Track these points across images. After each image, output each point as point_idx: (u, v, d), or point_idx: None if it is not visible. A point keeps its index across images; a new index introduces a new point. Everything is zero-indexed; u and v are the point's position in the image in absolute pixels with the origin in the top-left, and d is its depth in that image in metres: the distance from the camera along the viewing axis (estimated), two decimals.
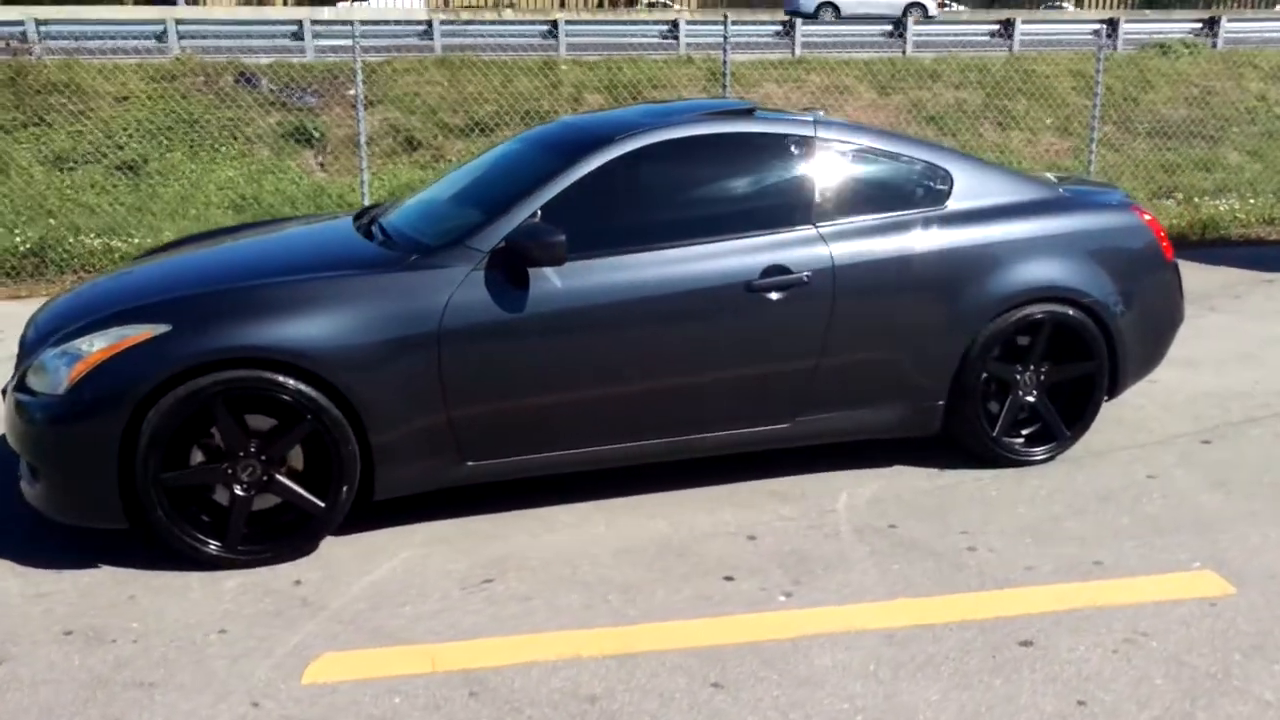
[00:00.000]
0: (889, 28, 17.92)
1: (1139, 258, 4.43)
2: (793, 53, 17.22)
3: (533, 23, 17.37)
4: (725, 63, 9.71)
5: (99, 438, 3.42)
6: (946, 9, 27.21)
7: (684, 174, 4.06)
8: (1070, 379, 4.42)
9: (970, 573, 3.57)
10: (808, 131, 4.15)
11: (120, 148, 13.20)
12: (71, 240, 9.10)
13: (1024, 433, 4.46)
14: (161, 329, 3.46)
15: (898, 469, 4.42)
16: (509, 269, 3.71)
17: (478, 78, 15.18)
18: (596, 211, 3.92)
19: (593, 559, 3.70)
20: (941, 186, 4.25)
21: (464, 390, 3.68)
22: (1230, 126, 15.13)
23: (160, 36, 15.83)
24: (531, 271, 3.72)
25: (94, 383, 3.42)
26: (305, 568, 3.66)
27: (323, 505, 3.65)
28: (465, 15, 41.12)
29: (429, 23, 16.62)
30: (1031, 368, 4.33)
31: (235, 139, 13.80)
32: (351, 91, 15.40)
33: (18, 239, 8.95)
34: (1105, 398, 4.54)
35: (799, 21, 17.40)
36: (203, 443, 3.58)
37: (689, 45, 17.05)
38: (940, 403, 4.23)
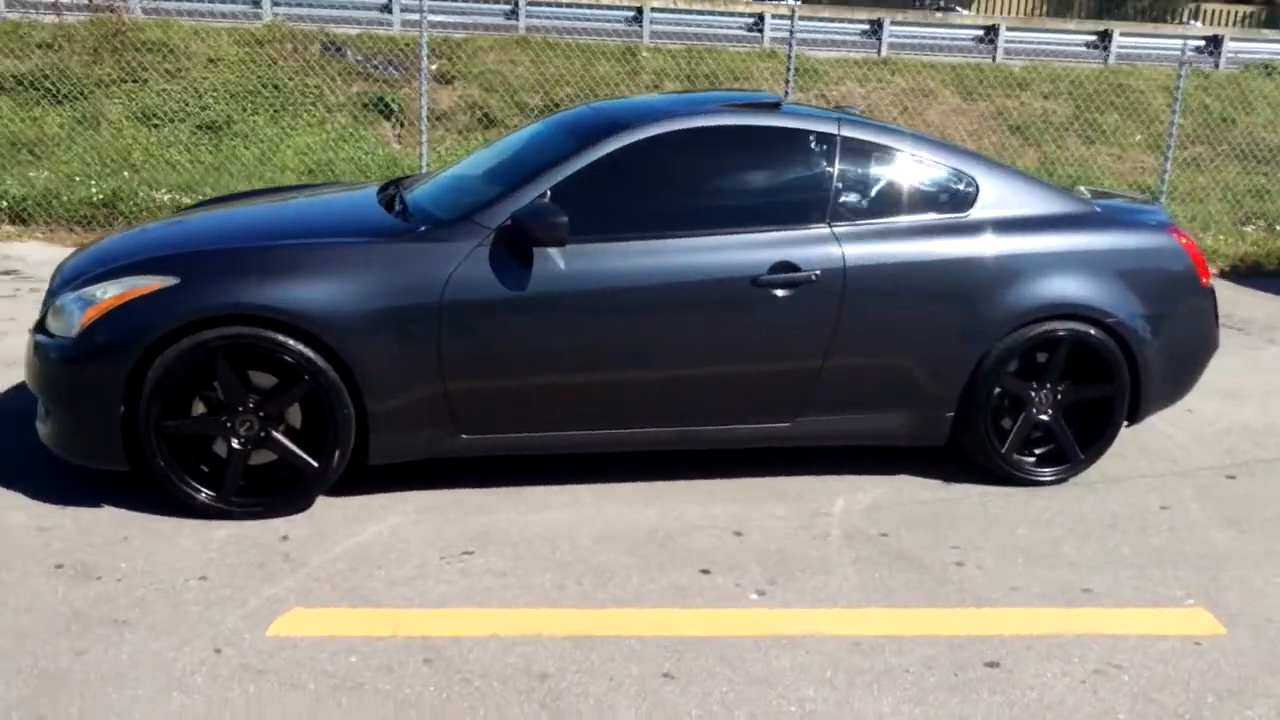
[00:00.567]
0: (980, 32, 17.55)
1: (1171, 281, 4.29)
2: (879, 52, 16.98)
3: (618, 8, 17.38)
4: (790, 57, 9.62)
5: (105, 381, 3.53)
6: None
7: (699, 164, 4.04)
8: (1089, 400, 4.30)
9: (953, 588, 3.51)
10: (830, 129, 4.10)
11: (206, 108, 13.55)
12: (142, 194, 9.35)
13: (1037, 452, 4.35)
14: (170, 281, 3.56)
15: (904, 478, 4.35)
16: (514, 247, 3.73)
17: (559, 59, 15.23)
18: (607, 196, 3.92)
19: (574, 541, 3.71)
20: (967, 193, 4.16)
21: (461, 364, 3.72)
22: None
23: (255, 2, 16.18)
24: (536, 251, 3.74)
25: (103, 328, 3.54)
26: (295, 524, 3.74)
27: (316, 465, 3.72)
28: None
29: (516, 1, 16.71)
30: (1048, 386, 4.23)
31: (316, 106, 14.06)
32: (434, 66, 15.64)
33: (93, 189, 9.24)
34: (1126, 423, 4.42)
35: (887, 21, 17.11)
36: (205, 395, 3.68)
37: (773, 39, 16.90)
38: (949, 414, 4.15)
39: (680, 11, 17.43)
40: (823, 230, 3.98)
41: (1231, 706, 2.92)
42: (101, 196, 9.23)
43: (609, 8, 17.68)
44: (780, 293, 3.89)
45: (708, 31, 16.98)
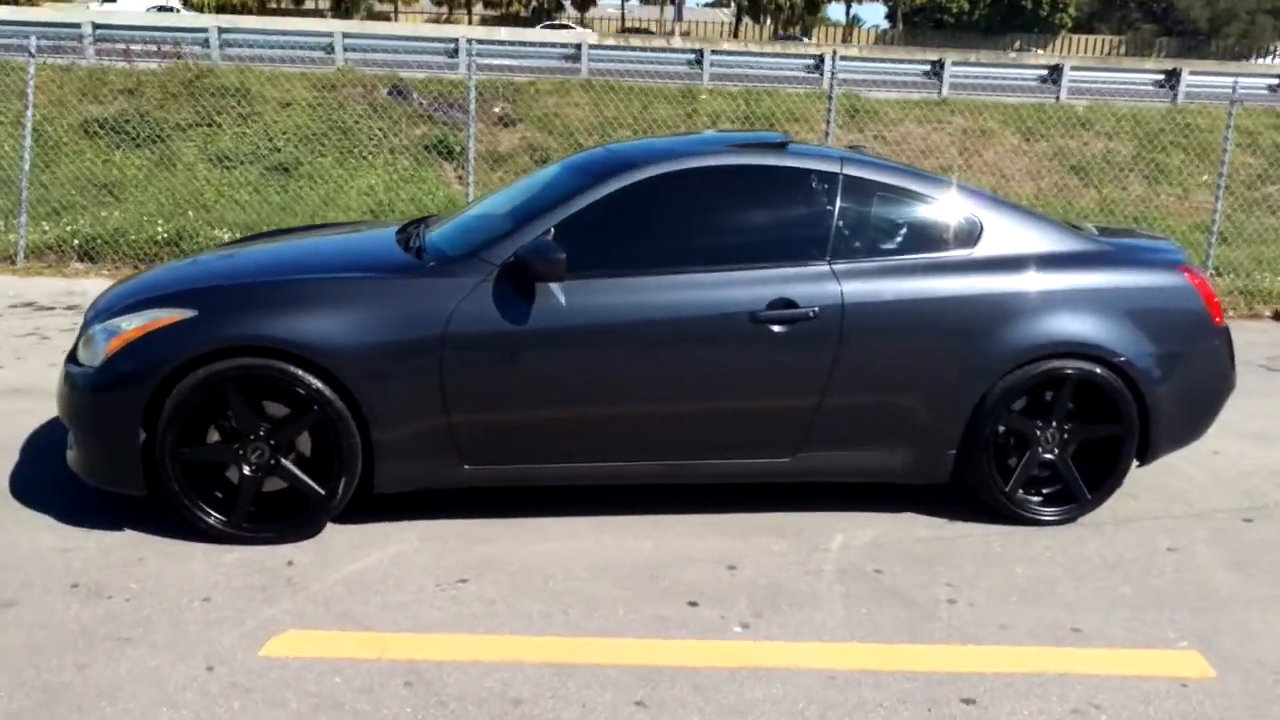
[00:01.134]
0: (1044, 72, 17.43)
1: (1181, 320, 4.25)
2: (939, 93, 16.96)
3: (680, 51, 17.67)
4: (831, 99, 9.68)
5: (126, 409, 3.73)
6: None
7: (701, 202, 4.13)
8: (1098, 440, 4.27)
9: (939, 625, 3.51)
10: (833, 168, 4.16)
11: (277, 150, 14.09)
12: (204, 233, 9.74)
13: (1045, 491, 4.32)
14: (188, 314, 3.75)
15: (908, 516, 4.35)
16: (516, 283, 3.86)
17: (618, 101, 15.52)
18: (610, 233, 4.03)
19: (568, 571, 3.79)
20: (971, 232, 4.19)
21: (464, 396, 3.84)
22: None
23: (328, 48, 16.78)
24: (538, 287, 3.86)
25: (125, 358, 3.74)
26: (302, 550, 3.88)
27: (323, 493, 3.87)
28: (635, 41, 42.02)
29: (578, 46, 17.08)
30: (1054, 425, 4.21)
31: (381, 148, 14.51)
32: (497, 108, 16.04)
33: (159, 228, 9.65)
34: (1136, 463, 4.37)
35: (949, 61, 17.10)
36: (219, 423, 3.85)
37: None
38: (951, 451, 4.16)
39: (740, 54, 17.64)
40: (822, 268, 4.04)
41: None
42: (166, 235, 9.63)
43: (671, 50, 17.98)
44: (778, 329, 3.95)
45: (767, 73, 17.15)
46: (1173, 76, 17.32)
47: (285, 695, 2.99)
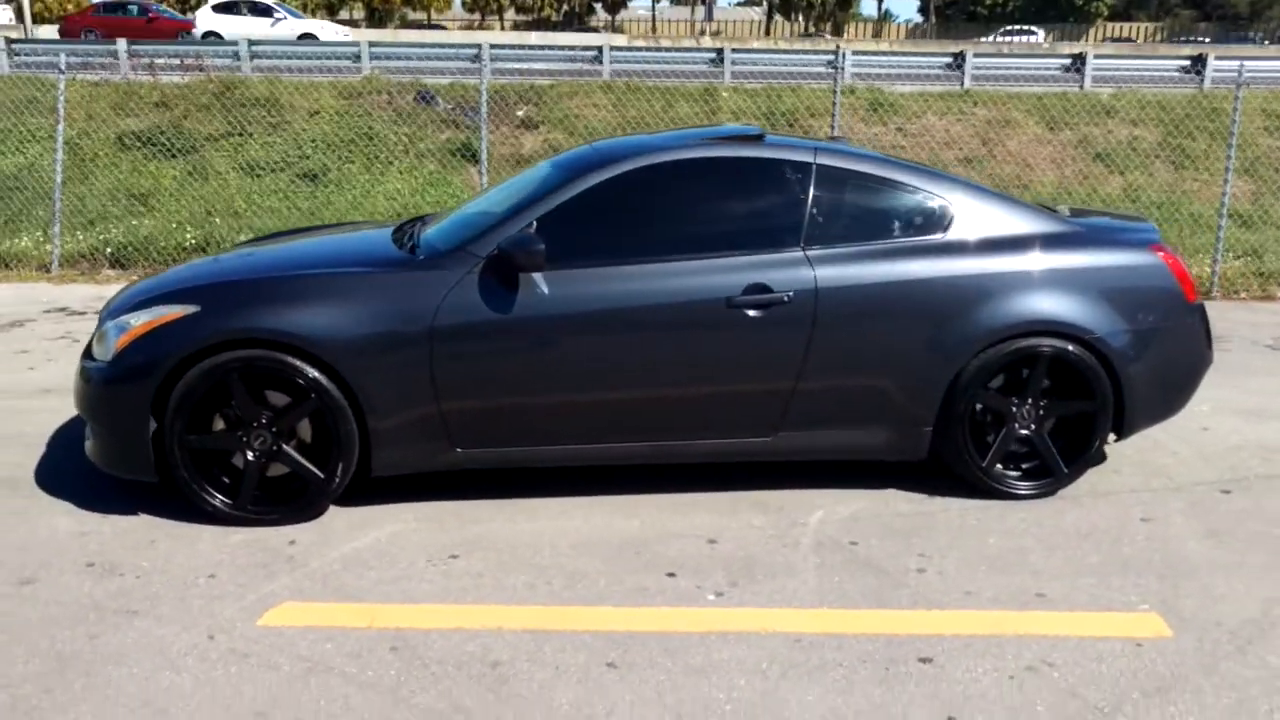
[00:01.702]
0: (1068, 61, 17.36)
1: (1153, 298, 4.34)
2: (961, 85, 16.95)
3: (701, 50, 17.81)
4: (836, 91, 9.78)
5: (135, 400, 3.96)
6: None
7: (679, 194, 4.29)
8: (1074, 416, 4.38)
9: (907, 592, 3.64)
10: (806, 158, 4.31)
11: (305, 157, 14.41)
12: (231, 239, 10.04)
13: (1024, 466, 4.44)
14: (192, 309, 3.98)
15: (890, 492, 4.48)
16: (500, 274, 4.04)
17: (640, 102, 15.69)
18: (590, 225, 4.21)
19: (555, 547, 3.97)
20: (942, 216, 4.32)
21: (454, 384, 4.04)
22: None
23: (355, 57, 17.11)
24: (521, 278, 4.04)
25: (133, 352, 3.97)
26: (304, 530, 4.09)
27: (322, 476, 4.07)
28: (665, 42, 42.12)
29: (599, 48, 17.27)
30: (1029, 401, 4.32)
31: (407, 153, 14.79)
32: (520, 112, 16.26)
33: (188, 235, 9.97)
34: (1114, 438, 4.47)
35: (970, 53, 17.09)
36: (224, 412, 4.07)
37: (854, 75, 17.04)
38: (927, 429, 4.28)
39: (761, 51, 17.75)
40: (796, 254, 4.18)
41: (1154, 703, 3.00)
42: (194, 241, 9.94)
43: (691, 50, 18.13)
44: (753, 313, 4.10)
45: (789, 70, 17.22)
46: (1199, 62, 17.17)
47: (278, 660, 3.19)
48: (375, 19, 61.55)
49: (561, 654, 3.25)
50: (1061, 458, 4.39)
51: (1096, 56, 17.34)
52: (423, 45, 18.29)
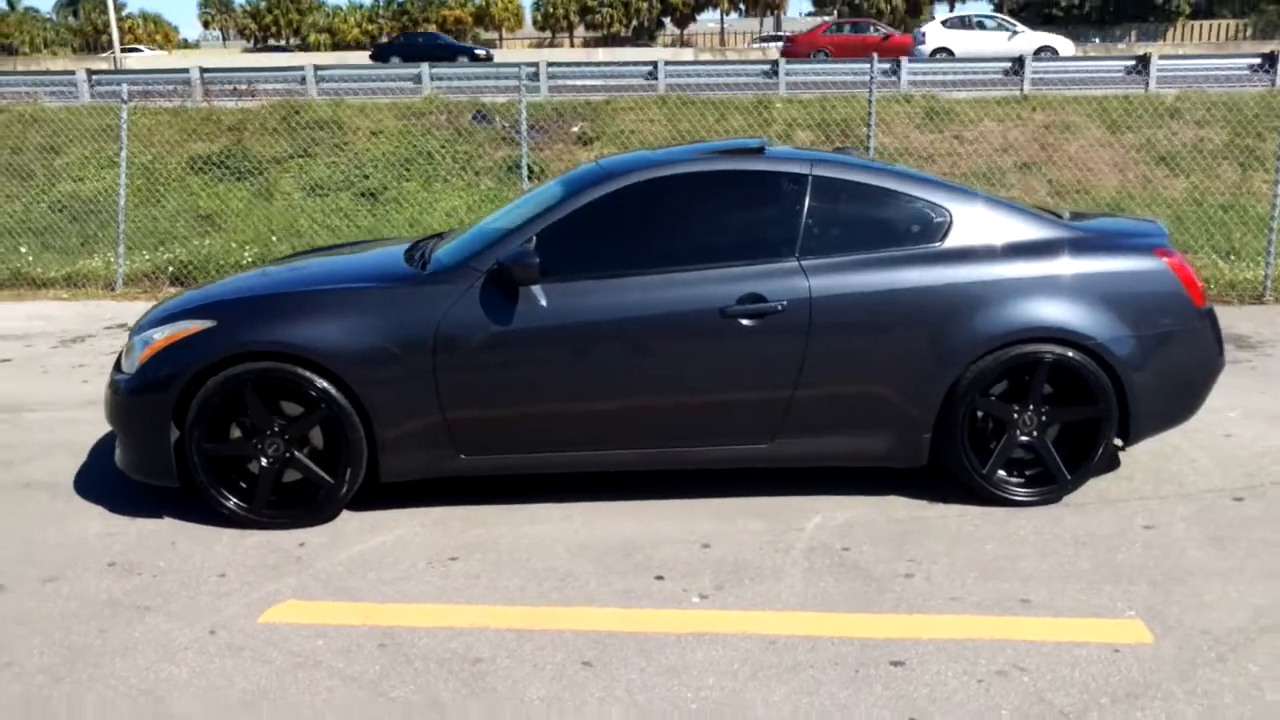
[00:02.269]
0: (1131, 62, 17.04)
1: (1157, 303, 4.30)
2: (1021, 90, 16.75)
3: (754, 63, 17.87)
4: (871, 100, 9.76)
5: (157, 410, 4.18)
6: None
7: (676, 208, 4.39)
8: (1078, 423, 4.36)
9: (891, 596, 3.68)
10: (803, 170, 4.37)
11: (366, 177, 14.82)
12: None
13: (1028, 473, 4.43)
14: (208, 324, 4.19)
15: (891, 498, 4.50)
16: (501, 288, 4.18)
17: (694, 115, 15.82)
18: (590, 239, 4.32)
19: (552, 551, 4.08)
20: (940, 224, 4.34)
21: (456, 393, 4.18)
22: None
23: (416, 79, 17.53)
24: (521, 291, 4.17)
25: (155, 365, 4.19)
26: (316, 533, 4.27)
27: (332, 482, 4.25)
28: (732, 55, 42.14)
29: (654, 63, 17.44)
30: (1031, 408, 4.31)
31: (465, 171, 15.11)
32: (575, 128, 16.50)
33: (246, 254, 10.34)
34: (1121, 445, 4.44)
35: (1029, 58, 16.87)
36: (240, 421, 4.27)
37: (910, 83, 16.96)
38: (926, 435, 4.30)
39: (817, 62, 17.74)
40: (791, 264, 4.25)
41: (1122, 709, 3.00)
42: (252, 259, 10.30)
43: (746, 63, 18.20)
44: (747, 322, 4.17)
45: (844, 79, 17.19)
46: (1271, 60, 16.72)
47: (271, 654, 3.35)
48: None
49: (541, 652, 3.35)
50: (1068, 464, 4.37)
51: (1161, 57, 17.02)
52: (483, 65, 18.64)
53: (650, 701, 3.08)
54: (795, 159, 4.48)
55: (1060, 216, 4.69)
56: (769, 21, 60.23)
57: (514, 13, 72.96)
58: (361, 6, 75.29)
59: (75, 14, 76.21)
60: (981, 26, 26.80)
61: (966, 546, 4.06)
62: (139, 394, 4.22)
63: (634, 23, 68.65)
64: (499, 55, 40.81)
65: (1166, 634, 3.38)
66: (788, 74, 16.85)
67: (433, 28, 64.98)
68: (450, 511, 4.45)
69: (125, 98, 9.80)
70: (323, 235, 12.72)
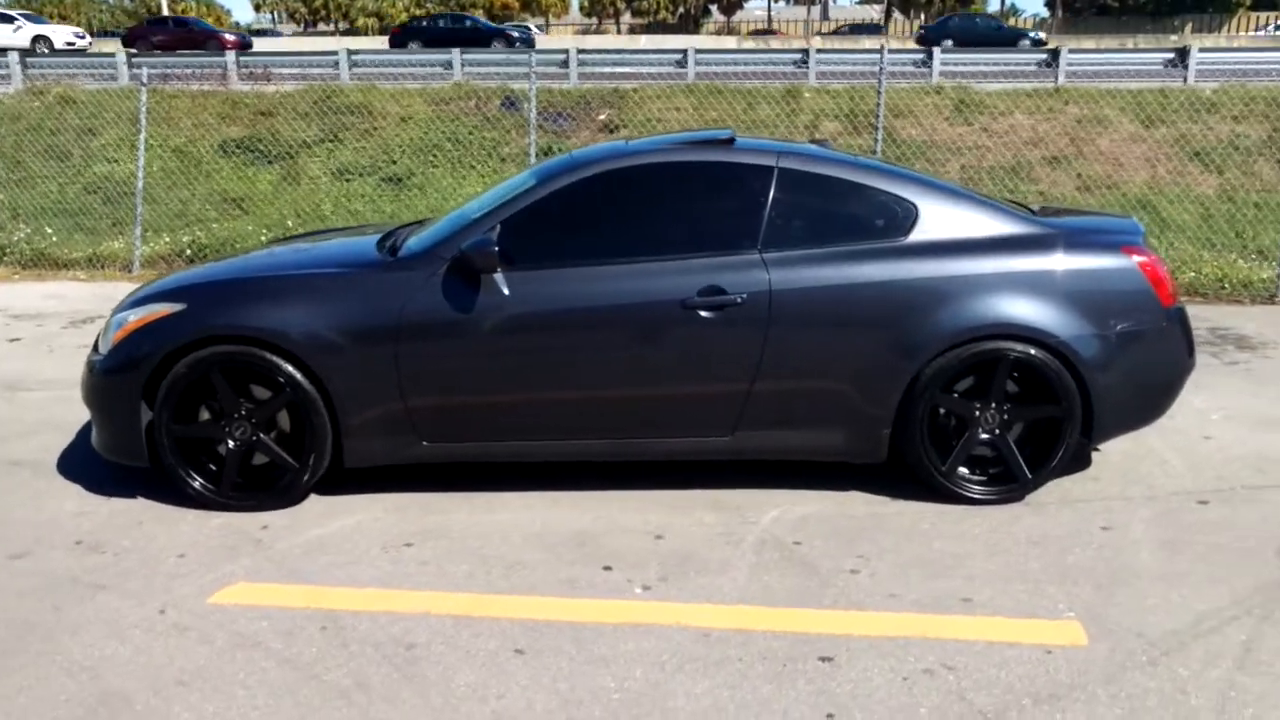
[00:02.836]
0: (1171, 55, 16.72)
1: (1123, 302, 4.25)
2: (1055, 82, 16.50)
3: (785, 51, 17.78)
4: (880, 90, 9.69)
5: (126, 391, 4.28)
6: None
7: (641, 198, 4.40)
8: (1042, 421, 4.32)
9: (832, 592, 3.68)
10: (769, 162, 4.37)
11: (393, 162, 14.96)
12: None
13: (990, 471, 4.40)
14: (179, 307, 4.28)
15: (851, 493, 4.50)
16: (463, 276, 4.22)
17: (722, 104, 15.76)
18: (554, 228, 4.35)
19: (505, 539, 4.13)
20: (905, 218, 4.32)
21: (418, 381, 4.23)
22: None
23: (447, 65, 17.63)
24: (484, 279, 4.21)
25: (126, 347, 4.29)
26: (279, 516, 4.35)
27: (297, 466, 4.32)
28: (775, 44, 41.87)
29: (684, 51, 17.40)
30: (993, 406, 4.29)
31: (490, 157, 15.19)
32: (602, 115, 16.51)
33: (262, 236, 10.49)
34: (1091, 447, 4.40)
35: (1065, 50, 16.61)
36: (209, 404, 4.36)
37: (941, 74, 16.78)
38: (886, 431, 4.29)
39: (845, 51, 17.61)
40: (753, 257, 4.25)
41: (1042, 710, 2.99)
42: (265, 240, 10.44)
43: (776, 51, 18.11)
44: (707, 314, 4.19)
45: (874, 69, 17.01)
46: None
47: (215, 634, 3.44)
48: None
49: (476, 639, 3.40)
50: (1032, 464, 4.34)
51: (1201, 50, 16.66)
52: (512, 51, 18.70)
53: (573, 690, 3.12)
54: (762, 151, 4.48)
55: (1031, 210, 4.65)
56: (815, 9, 59.79)
57: None
58: None
59: None
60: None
61: (917, 544, 4.05)
62: (111, 375, 4.33)
63: (680, 9, 68.41)
64: (543, 41, 40.84)
65: (1102, 636, 3.36)
66: (818, 63, 16.71)
67: (480, 13, 65.16)
68: (412, 498, 4.51)
69: (145, 80, 9.96)
70: (345, 219, 12.88)
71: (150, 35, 33.50)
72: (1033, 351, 4.19)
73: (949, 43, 29.58)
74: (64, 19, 55.83)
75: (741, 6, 69.62)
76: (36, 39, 30.74)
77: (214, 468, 4.42)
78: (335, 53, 17.75)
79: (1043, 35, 37.37)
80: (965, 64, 16.95)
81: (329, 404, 4.26)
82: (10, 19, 33.00)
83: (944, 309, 4.19)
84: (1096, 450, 4.87)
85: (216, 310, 4.27)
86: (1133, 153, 14.69)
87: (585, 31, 67.23)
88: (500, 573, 3.85)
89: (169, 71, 18.13)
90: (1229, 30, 55.96)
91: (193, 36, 32.91)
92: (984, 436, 4.32)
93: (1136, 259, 4.31)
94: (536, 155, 11.67)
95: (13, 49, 20.49)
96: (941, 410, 4.33)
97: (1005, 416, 4.31)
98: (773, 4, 70.59)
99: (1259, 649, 3.27)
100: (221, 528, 4.24)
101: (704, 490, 4.54)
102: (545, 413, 4.31)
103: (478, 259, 4.15)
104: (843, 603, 3.61)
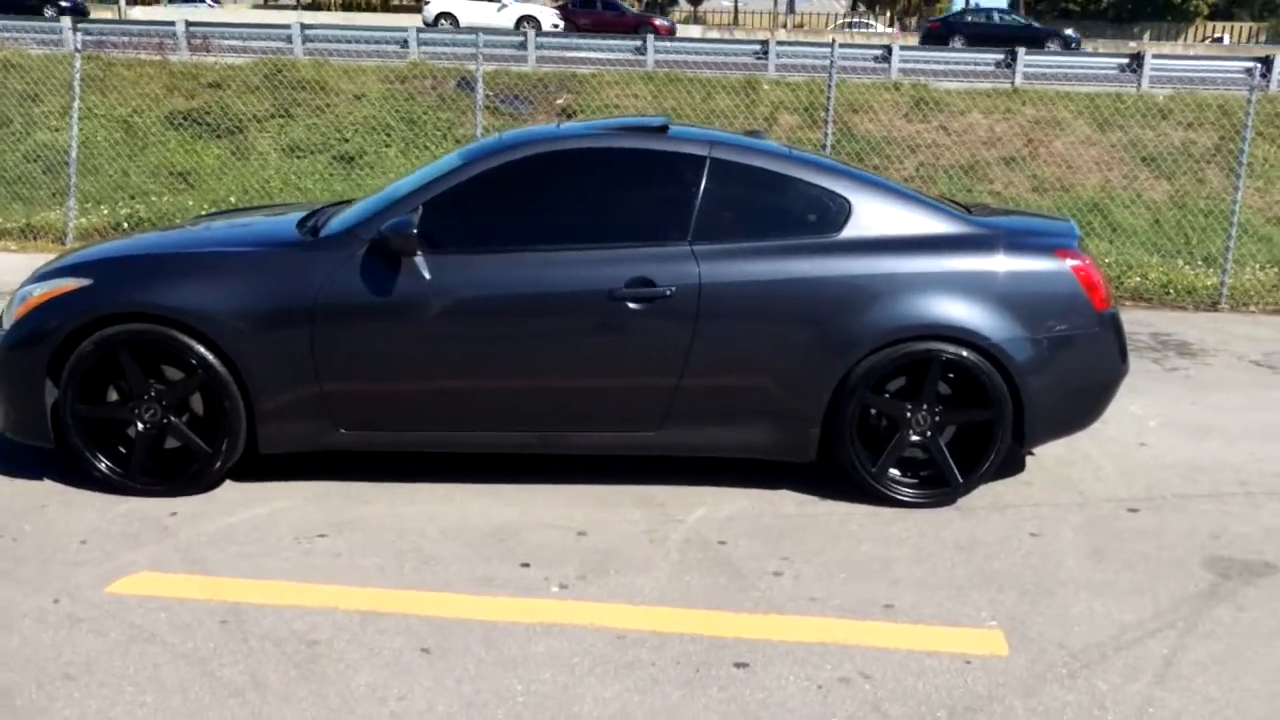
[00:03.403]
0: (1125, 60, 16.84)
1: (1056, 305, 4.20)
2: (1012, 83, 16.56)
3: (746, 42, 17.69)
4: (830, 86, 9.64)
5: (29, 368, 4.09)
6: None
7: (569, 184, 4.29)
8: (975, 424, 4.27)
9: (753, 595, 3.60)
10: (701, 152, 4.26)
11: (345, 140, 14.67)
12: None
13: (922, 474, 4.34)
14: (85, 282, 4.10)
15: (782, 492, 4.42)
16: (383, 258, 4.08)
17: (680, 92, 15.63)
18: (479, 212, 4.22)
19: (423, 532, 4.00)
20: (838, 213, 4.23)
21: (334, 365, 4.09)
22: None
23: (403, 43, 17.35)
24: (404, 262, 4.07)
25: (29, 322, 4.11)
26: (191, 503, 4.19)
27: (209, 451, 4.16)
28: (739, 34, 41.79)
29: (644, 38, 17.25)
30: (925, 408, 4.22)
31: (445, 139, 14.95)
32: (560, 100, 16.32)
33: (203, 210, 10.23)
34: (1025, 451, 4.36)
35: (1022, 51, 16.68)
36: (118, 384, 4.19)
37: (900, 70, 16.78)
38: (815, 430, 4.21)
39: (807, 44, 17.55)
40: (683, 248, 4.14)
41: None
42: (194, 217, 10.20)
43: (736, 42, 18.03)
44: (634, 306, 4.08)
45: (835, 64, 16.96)
46: (1267, 63, 16.50)
47: (109, 626, 3.28)
48: None
49: (381, 637, 3.28)
50: (964, 467, 4.28)
51: (1155, 56, 16.80)
52: (471, 31, 18.45)
53: (477, 693, 3.01)
54: (695, 140, 4.37)
55: (968, 210, 4.59)
56: (783, 2, 59.70)
57: None
58: None
59: None
60: None
61: (844, 546, 3.98)
62: (14, 351, 4.14)
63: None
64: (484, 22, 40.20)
65: (1023, 646, 3.30)
66: (778, 55, 16.64)
67: None
68: (334, 486, 4.37)
69: (79, 47, 9.66)
70: (294, 197, 12.61)
71: (576, 19, 31.87)
72: (964, 353, 4.13)
73: (959, 41, 28.38)
74: None
75: None
76: (522, 19, 28.91)
77: (124, 451, 4.25)
78: (288, 26, 17.37)
79: (1078, 35, 33.99)
80: (924, 61, 16.95)
81: (243, 387, 4.11)
82: None
83: (875, 308, 4.11)
84: (1031, 454, 4.83)
85: (124, 287, 4.10)
86: (1086, 156, 14.76)
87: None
88: (414, 567, 3.73)
89: (116, 39, 17.64)
90: (1185, 40, 56.67)
91: (624, 21, 31.59)
92: (915, 438, 4.25)
93: (1070, 262, 4.26)
94: (475, 137, 11.43)
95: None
96: (872, 411, 4.26)
97: (937, 419, 4.24)
98: None
99: (1179, 663, 3.23)
100: (128, 514, 4.08)
101: (634, 485, 4.43)
102: (466, 403, 4.18)
103: (396, 241, 4.01)
104: (763, 606, 3.52)
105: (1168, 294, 8.98)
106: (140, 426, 4.17)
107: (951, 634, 3.38)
